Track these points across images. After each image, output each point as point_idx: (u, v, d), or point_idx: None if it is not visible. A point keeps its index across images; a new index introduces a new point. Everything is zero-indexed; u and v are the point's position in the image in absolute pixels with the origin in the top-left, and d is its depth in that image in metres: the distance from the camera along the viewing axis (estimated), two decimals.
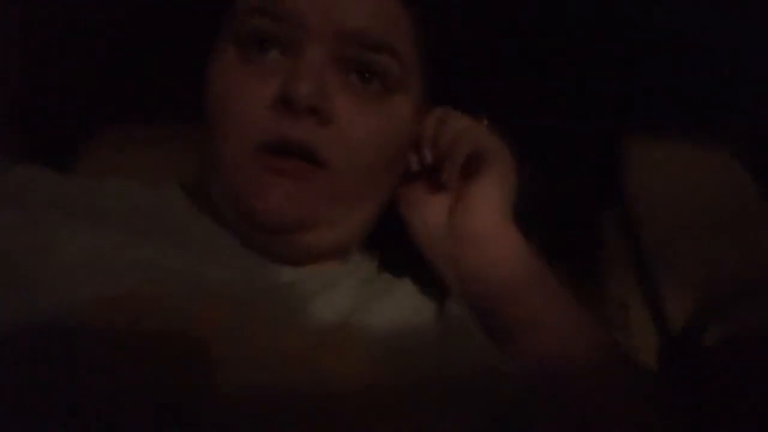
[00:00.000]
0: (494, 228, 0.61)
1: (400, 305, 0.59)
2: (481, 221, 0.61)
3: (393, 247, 0.68)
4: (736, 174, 0.76)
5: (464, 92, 0.68)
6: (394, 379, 0.48)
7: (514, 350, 0.57)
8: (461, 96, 0.67)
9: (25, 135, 0.76)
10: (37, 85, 0.77)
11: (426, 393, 0.49)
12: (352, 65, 0.56)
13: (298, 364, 0.46)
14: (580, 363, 0.56)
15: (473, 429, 0.48)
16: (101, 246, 0.50)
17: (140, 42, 0.77)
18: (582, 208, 0.79)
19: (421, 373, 0.51)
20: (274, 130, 0.54)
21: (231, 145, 0.56)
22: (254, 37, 0.56)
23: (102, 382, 0.40)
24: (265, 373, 0.45)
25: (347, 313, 0.55)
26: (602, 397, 0.55)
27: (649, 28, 0.77)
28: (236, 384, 0.42)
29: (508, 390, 0.51)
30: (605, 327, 0.65)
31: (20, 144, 0.76)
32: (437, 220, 0.63)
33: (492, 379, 0.52)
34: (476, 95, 0.70)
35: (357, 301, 0.57)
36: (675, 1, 0.75)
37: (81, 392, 0.39)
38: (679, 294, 0.73)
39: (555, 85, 0.79)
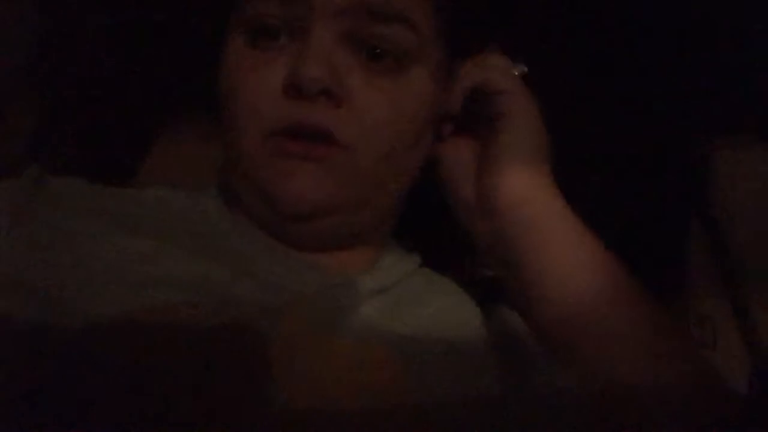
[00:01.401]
0: (527, 194, 0.56)
1: (442, 309, 0.57)
2: (513, 187, 0.56)
3: (432, 242, 0.65)
4: None
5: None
6: (440, 397, 0.47)
7: (551, 316, 0.53)
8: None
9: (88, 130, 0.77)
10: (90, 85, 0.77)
11: (481, 412, 0.47)
12: (363, 41, 0.54)
13: (344, 382, 0.45)
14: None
15: None
16: (135, 258, 0.49)
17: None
18: (669, 219, 0.75)
19: (471, 391, 0.48)
20: (287, 116, 0.53)
21: (246, 134, 0.54)
22: (260, 23, 0.54)
23: (136, 397, 0.39)
24: (314, 389, 0.43)
25: (381, 324, 0.53)
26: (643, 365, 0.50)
27: (743, 35, 0.72)
28: (286, 402, 0.41)
29: (569, 412, 0.48)
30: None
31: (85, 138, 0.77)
32: (464, 187, 0.59)
33: (551, 401, 0.49)
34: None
35: (391, 310, 0.55)
36: None
37: (111, 406, 0.39)
38: None
39: (641, 88, 0.75)
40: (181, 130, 0.79)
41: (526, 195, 0.56)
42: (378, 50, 0.54)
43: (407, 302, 0.56)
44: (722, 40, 0.74)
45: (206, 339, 0.44)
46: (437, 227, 0.64)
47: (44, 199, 0.53)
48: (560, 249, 0.55)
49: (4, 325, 0.43)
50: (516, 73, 0.60)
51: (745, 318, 0.69)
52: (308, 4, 0.53)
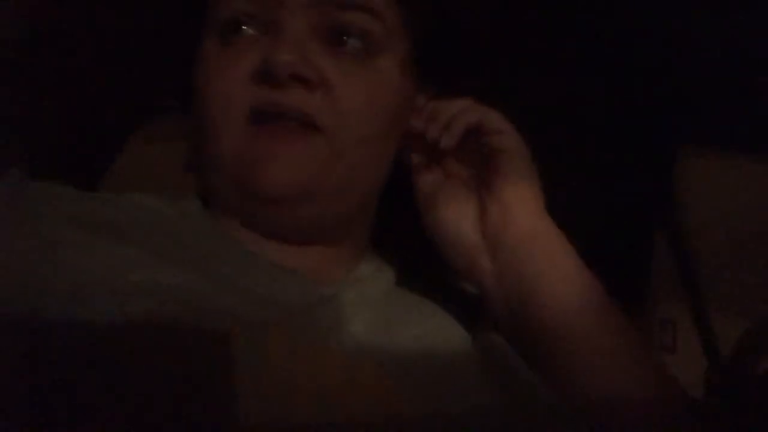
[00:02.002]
0: (536, 227, 0.58)
1: (427, 330, 0.57)
2: (522, 222, 0.58)
3: (411, 258, 0.66)
4: None
5: (463, 66, 0.66)
6: (430, 416, 0.47)
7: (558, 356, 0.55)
8: (460, 70, 0.65)
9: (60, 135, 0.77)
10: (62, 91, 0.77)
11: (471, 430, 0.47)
12: (332, 30, 0.55)
13: (333, 399, 0.45)
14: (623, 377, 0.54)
15: None
16: (118, 266, 0.49)
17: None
18: (634, 225, 0.77)
19: (461, 410, 0.49)
20: (260, 98, 0.54)
21: (221, 123, 0.55)
22: (232, 21, 0.56)
23: (112, 408, 0.39)
24: (302, 406, 0.44)
25: (369, 340, 0.54)
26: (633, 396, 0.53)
27: (712, 43, 0.74)
28: (260, 416, 0.42)
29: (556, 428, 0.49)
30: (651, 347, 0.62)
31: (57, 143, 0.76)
32: (463, 224, 0.60)
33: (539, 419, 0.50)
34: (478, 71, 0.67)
35: (378, 326, 0.55)
36: (739, 18, 0.72)
37: (91, 415, 0.39)
38: (729, 316, 0.70)
39: (608, 96, 0.77)
40: (153, 130, 0.79)
41: (535, 228, 0.58)
42: (347, 38, 0.56)
43: (395, 321, 0.57)
44: (688, 49, 0.75)
45: (187, 350, 0.44)
46: (415, 242, 0.65)
47: (24, 205, 0.52)
48: (564, 273, 0.57)
49: None
50: None
51: (703, 324, 0.71)
52: (279, 1, 0.54)
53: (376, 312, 0.57)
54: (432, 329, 0.58)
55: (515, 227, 0.58)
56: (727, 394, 0.64)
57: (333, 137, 0.55)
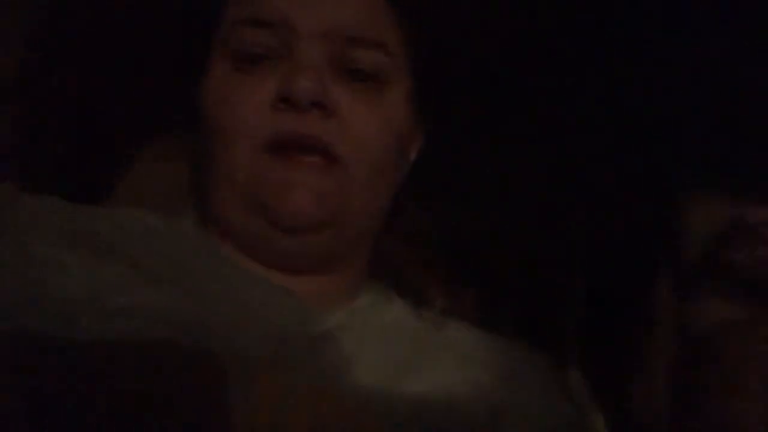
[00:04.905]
0: None
1: (441, 378, 0.57)
2: None
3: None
4: None
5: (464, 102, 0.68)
6: None
7: None
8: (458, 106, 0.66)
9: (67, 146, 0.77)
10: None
11: None
12: (344, 63, 0.58)
13: None
14: None
15: None
16: (103, 286, 0.49)
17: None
18: (637, 263, 0.76)
19: None
20: (279, 126, 0.55)
21: (237, 148, 0.56)
22: (247, 51, 0.58)
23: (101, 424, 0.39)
24: None
25: (388, 376, 0.54)
26: None
27: (717, 80, 0.74)
28: None
29: None
30: None
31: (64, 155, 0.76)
32: None
33: None
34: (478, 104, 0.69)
35: (384, 370, 0.55)
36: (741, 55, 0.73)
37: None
38: None
39: (613, 126, 0.77)
40: (163, 149, 0.79)
41: None
42: (358, 71, 0.58)
43: (404, 366, 0.57)
44: (697, 86, 0.75)
45: (172, 378, 0.43)
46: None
47: (15, 219, 0.53)
48: None
49: None
50: None
51: None
52: (295, 31, 0.56)
53: (382, 352, 0.57)
54: (445, 378, 0.57)
55: None
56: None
57: (349, 166, 0.56)
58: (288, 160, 0.55)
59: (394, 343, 0.59)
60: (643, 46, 0.73)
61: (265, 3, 0.58)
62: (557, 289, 0.70)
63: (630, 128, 0.75)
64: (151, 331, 0.47)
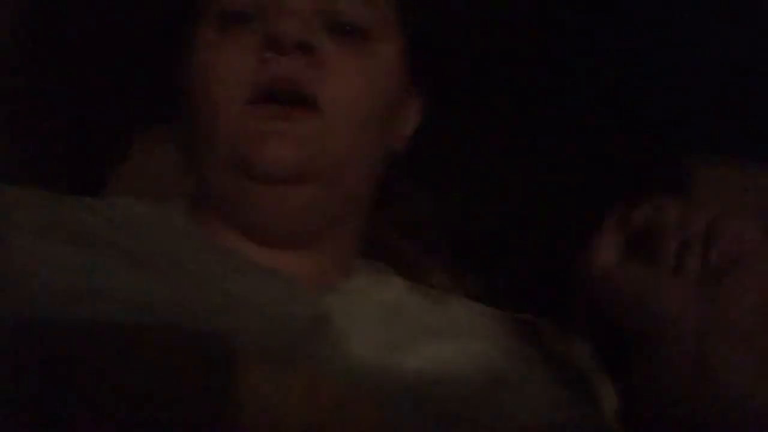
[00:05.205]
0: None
1: (436, 355, 0.55)
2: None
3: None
4: None
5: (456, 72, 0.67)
6: None
7: None
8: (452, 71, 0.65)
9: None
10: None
11: None
12: (331, 14, 0.57)
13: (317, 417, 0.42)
14: None
15: None
16: (83, 273, 0.48)
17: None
18: None
19: None
20: (263, 75, 0.54)
21: (222, 106, 0.55)
22: (232, 11, 0.57)
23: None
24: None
25: (386, 354, 0.52)
26: None
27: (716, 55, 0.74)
28: None
29: None
30: None
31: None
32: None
33: None
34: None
35: (377, 349, 0.53)
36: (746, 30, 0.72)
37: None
38: None
39: (619, 107, 0.76)
40: (158, 139, 0.78)
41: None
42: (345, 24, 0.57)
43: (398, 343, 0.55)
44: (704, 59, 0.75)
45: (155, 367, 0.41)
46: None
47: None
48: None
49: None
50: None
51: None
52: None
53: (375, 331, 0.55)
54: (443, 353, 0.56)
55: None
56: None
57: (331, 117, 0.55)
58: (269, 109, 0.54)
59: (392, 320, 0.57)
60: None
61: None
62: (558, 269, 0.69)
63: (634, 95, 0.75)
64: (133, 317, 0.46)
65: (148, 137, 0.78)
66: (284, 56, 0.54)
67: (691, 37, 0.76)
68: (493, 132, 0.74)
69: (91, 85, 0.77)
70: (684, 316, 0.48)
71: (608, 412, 0.55)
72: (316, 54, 0.55)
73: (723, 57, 0.75)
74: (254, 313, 0.51)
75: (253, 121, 0.54)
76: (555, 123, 0.73)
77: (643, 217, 0.53)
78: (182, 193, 0.62)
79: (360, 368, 0.51)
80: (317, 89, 0.54)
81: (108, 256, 0.50)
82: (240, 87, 0.54)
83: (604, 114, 0.75)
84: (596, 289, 0.52)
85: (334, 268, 0.59)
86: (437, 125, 0.66)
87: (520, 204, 0.75)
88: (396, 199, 0.65)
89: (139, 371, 0.41)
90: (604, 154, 0.75)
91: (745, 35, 0.75)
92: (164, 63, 0.64)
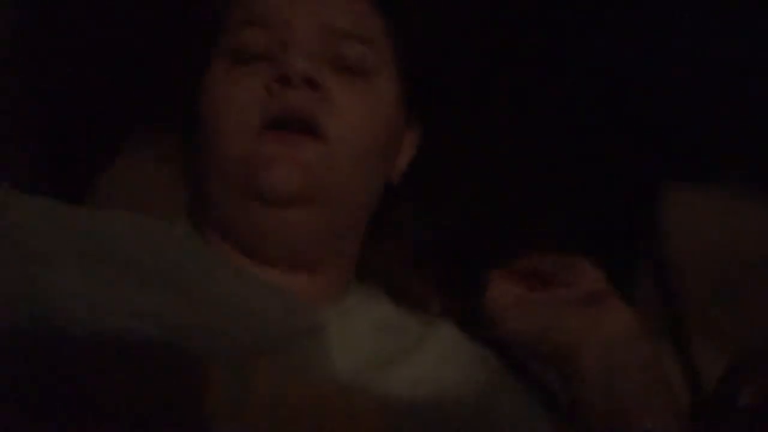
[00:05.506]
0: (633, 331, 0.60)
1: (426, 372, 0.59)
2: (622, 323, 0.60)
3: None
4: None
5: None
6: None
7: None
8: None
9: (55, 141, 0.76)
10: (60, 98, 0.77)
11: None
12: (334, 56, 0.61)
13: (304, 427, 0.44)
14: None
15: None
16: (94, 285, 0.51)
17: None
18: (616, 258, 0.77)
19: None
20: (274, 104, 0.58)
21: (233, 132, 0.59)
22: (245, 50, 0.61)
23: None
24: None
25: (377, 368, 0.55)
26: None
27: (695, 72, 0.74)
28: None
29: None
30: None
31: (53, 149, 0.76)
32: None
33: None
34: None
35: (368, 364, 0.56)
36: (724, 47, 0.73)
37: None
38: (712, 349, 0.70)
39: (593, 123, 0.77)
40: (143, 148, 0.79)
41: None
42: (347, 64, 0.61)
43: (388, 360, 0.58)
44: (676, 82, 0.76)
45: (160, 379, 0.43)
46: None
47: (11, 219, 0.54)
48: None
49: None
50: None
51: (686, 357, 0.71)
52: (290, 30, 0.60)
53: (366, 348, 0.59)
54: (432, 371, 0.59)
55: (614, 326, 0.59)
56: (709, 429, 0.64)
57: (335, 146, 0.59)
58: (276, 135, 0.58)
59: (383, 337, 0.60)
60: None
61: (264, 4, 0.62)
62: None
63: (611, 119, 0.76)
64: (139, 331, 0.48)
65: (134, 146, 0.78)
66: (293, 89, 0.57)
67: (691, 38, 0.77)
68: (484, 160, 0.76)
69: (78, 91, 0.77)
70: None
71: None
72: (322, 89, 0.58)
73: (723, 57, 0.76)
74: (253, 325, 0.54)
75: (263, 146, 0.57)
76: (549, 151, 0.75)
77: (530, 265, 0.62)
78: (185, 213, 0.65)
79: (352, 378, 0.54)
80: (323, 120, 0.58)
81: (118, 268, 0.53)
82: (251, 114, 0.58)
83: (578, 138, 0.76)
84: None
85: (331, 288, 0.62)
86: (430, 153, 0.69)
87: (510, 229, 0.76)
88: (390, 226, 0.67)
89: (145, 379, 0.43)
90: (585, 166, 0.77)
91: (745, 35, 0.75)
92: (156, 76, 0.65)
